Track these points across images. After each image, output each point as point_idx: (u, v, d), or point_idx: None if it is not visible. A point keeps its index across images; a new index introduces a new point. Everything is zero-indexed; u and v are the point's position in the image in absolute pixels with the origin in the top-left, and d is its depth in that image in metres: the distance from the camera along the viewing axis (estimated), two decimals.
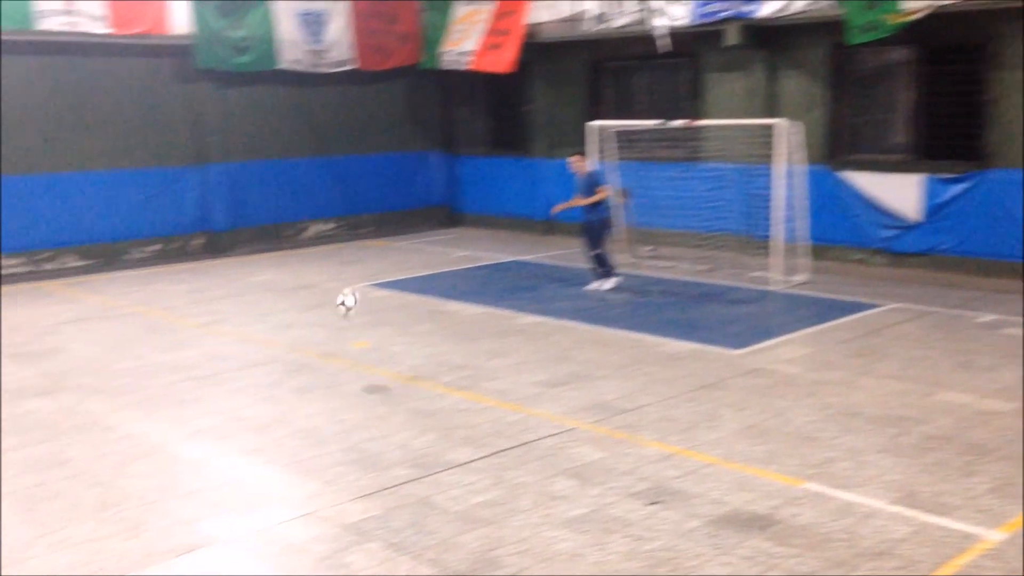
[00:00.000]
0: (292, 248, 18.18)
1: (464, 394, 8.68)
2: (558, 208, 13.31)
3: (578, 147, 16.06)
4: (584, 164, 13.26)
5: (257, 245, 18.13)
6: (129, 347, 10.72)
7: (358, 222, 19.84)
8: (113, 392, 8.99)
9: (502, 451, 7.22)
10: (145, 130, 16.79)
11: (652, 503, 6.23)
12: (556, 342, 10.51)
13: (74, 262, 16.21)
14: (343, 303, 9.41)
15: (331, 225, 19.51)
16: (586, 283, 13.27)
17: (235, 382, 9.23)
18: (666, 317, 11.66)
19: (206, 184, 17.56)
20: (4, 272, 15.43)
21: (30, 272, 15.67)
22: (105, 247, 16.54)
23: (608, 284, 13.26)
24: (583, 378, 9.09)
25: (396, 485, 6.62)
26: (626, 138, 15.60)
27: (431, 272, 15.19)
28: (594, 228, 13.13)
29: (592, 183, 13.03)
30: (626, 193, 15.44)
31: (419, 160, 20.80)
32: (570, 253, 15.97)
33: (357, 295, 9.35)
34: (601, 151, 15.23)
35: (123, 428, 7.96)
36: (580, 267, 15.09)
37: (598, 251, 13.26)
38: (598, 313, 11.91)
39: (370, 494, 6.48)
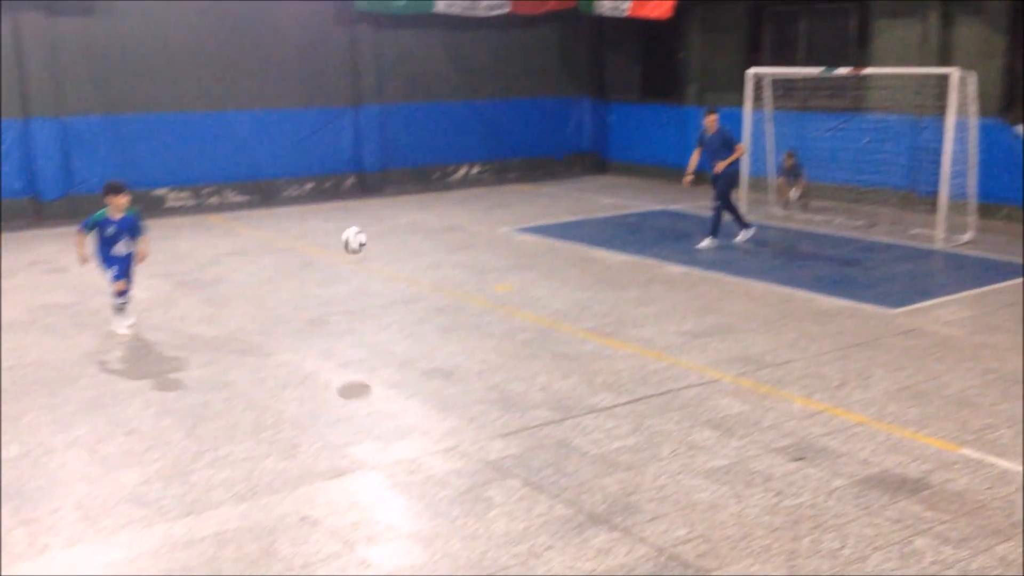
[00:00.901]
0: (440, 190, 18.45)
1: (607, 340, 8.66)
2: (720, 167, 12.54)
3: (733, 95, 15.64)
4: (715, 119, 12.68)
5: (406, 186, 18.49)
6: (285, 280, 11.16)
7: (506, 166, 19.94)
8: (270, 321, 9.39)
9: (643, 398, 7.19)
10: (304, 71, 17.28)
11: (796, 459, 6.08)
12: (702, 293, 10.33)
13: (235, 197, 16.95)
14: (350, 242, 8.89)
15: (478, 169, 19.68)
16: (734, 235, 12.95)
17: (382, 318, 9.49)
18: (819, 272, 11.28)
19: (359, 125, 17.98)
20: (172, 205, 16.28)
21: (195, 205, 16.49)
22: (263, 184, 17.22)
23: (744, 235, 12.86)
24: (729, 330, 8.91)
25: (536, 426, 6.69)
26: (784, 87, 15.04)
27: (577, 218, 15.14)
28: (724, 183, 12.63)
29: (726, 140, 12.49)
30: (792, 156, 14.93)
31: (569, 106, 20.66)
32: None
33: (361, 235, 8.93)
34: (757, 99, 14.74)
35: (279, 355, 8.32)
36: (728, 220, 14.74)
37: (728, 205, 12.78)
38: (747, 265, 11.63)
39: (510, 433, 6.56)
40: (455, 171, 19.43)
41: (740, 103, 14.94)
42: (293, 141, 17.38)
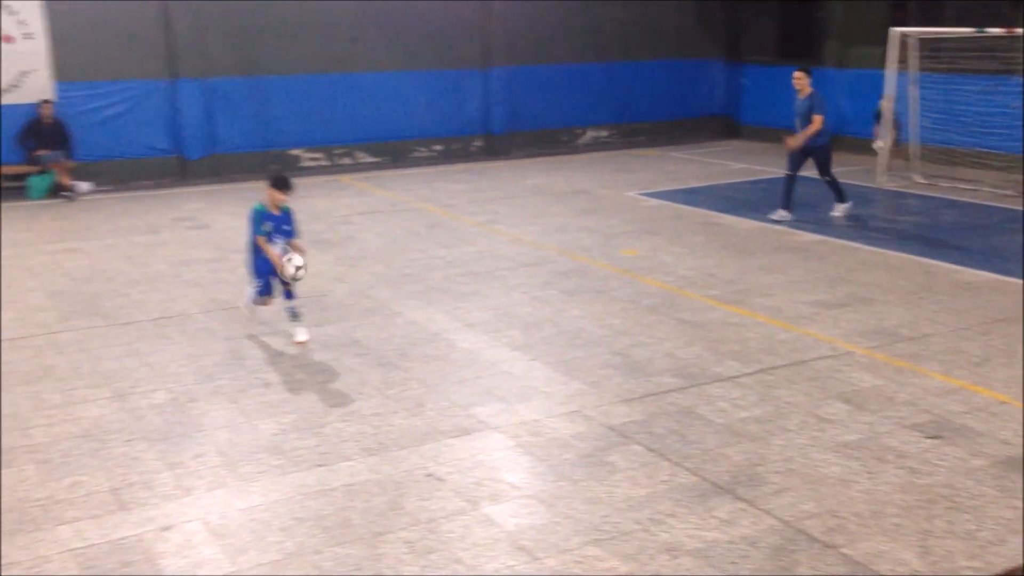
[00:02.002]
0: (566, 153, 18.39)
1: (734, 308, 8.50)
2: (790, 145, 11.84)
3: (876, 55, 15.00)
4: (807, 82, 11.70)
5: (533, 149, 18.50)
6: (413, 240, 11.36)
7: (633, 130, 19.70)
8: (399, 281, 9.59)
9: (771, 368, 7.04)
10: (435, 33, 17.41)
11: (932, 437, 5.86)
12: (836, 262, 10.01)
13: (366, 158, 17.31)
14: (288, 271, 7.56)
15: (606, 132, 19.51)
16: (877, 201, 12.46)
17: (508, 280, 9.56)
18: (962, 243, 10.77)
19: (488, 87, 18.04)
20: (306, 165, 16.75)
21: (329, 166, 16.92)
22: (393, 145, 17.51)
23: (840, 210, 12.09)
24: (863, 301, 8.62)
25: (661, 392, 6.64)
26: (931, 47, 14.31)
27: (706, 184, 14.87)
28: (814, 154, 11.84)
29: (811, 108, 11.58)
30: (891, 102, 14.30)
31: (700, 68, 20.21)
32: (858, 171, 15.05)
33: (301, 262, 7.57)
34: (901, 60, 14.08)
35: (407, 314, 8.49)
36: (868, 186, 14.23)
37: (827, 177, 11.99)
38: (884, 234, 11.20)
39: (634, 399, 6.54)
40: (582, 134, 19.31)
41: (883, 64, 14.31)
42: (423, 103, 17.59)
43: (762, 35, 19.54)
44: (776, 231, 11.48)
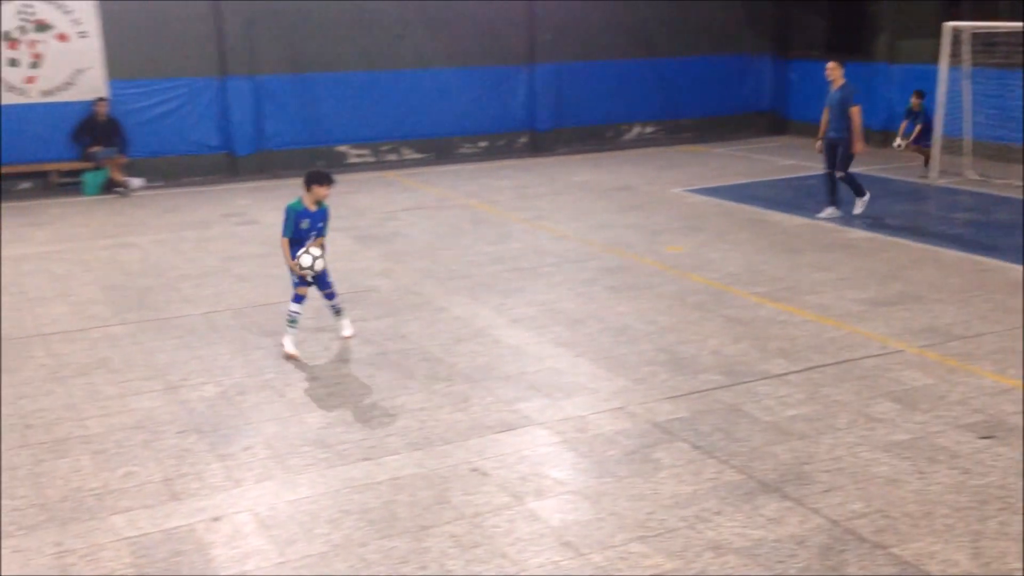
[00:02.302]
0: (612, 150, 18.32)
1: (782, 306, 8.42)
2: (857, 150, 11.56)
3: (928, 50, 14.79)
4: (840, 73, 11.49)
5: (578, 145, 18.46)
6: (458, 236, 11.40)
7: (679, 126, 19.59)
8: (444, 276, 9.63)
9: (819, 367, 6.96)
10: (481, 30, 17.44)
11: (985, 437, 5.76)
12: (887, 259, 9.87)
13: (411, 154, 17.40)
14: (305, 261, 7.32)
15: (651, 128, 19.42)
16: (929, 198, 12.26)
17: (553, 276, 9.56)
18: (1015, 241, 10.54)
19: (534, 84, 18.03)
20: (353, 161, 16.89)
21: (375, 162, 17.04)
22: (439, 141, 17.58)
23: (860, 207, 11.80)
24: (914, 299, 8.49)
25: (707, 390, 6.60)
26: (984, 41, 14.04)
27: (753, 180, 14.74)
28: (838, 147, 11.59)
29: (845, 99, 11.36)
30: (920, 96, 14.11)
31: (747, 64, 20.03)
32: (908, 167, 14.82)
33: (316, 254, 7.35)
34: (954, 55, 13.83)
35: (452, 310, 8.53)
36: (917, 182, 14.02)
37: (844, 173, 11.67)
38: (937, 231, 11.02)
39: (680, 396, 6.51)
40: (627, 130, 19.24)
41: (934, 59, 14.07)
42: (468, 99, 17.63)
43: (811, 30, 19.31)
44: (825, 228, 11.35)
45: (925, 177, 14.20)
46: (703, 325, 7.95)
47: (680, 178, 15.00)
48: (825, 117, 11.78)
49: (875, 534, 4.72)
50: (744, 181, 14.65)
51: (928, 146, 14.53)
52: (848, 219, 11.66)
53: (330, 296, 7.71)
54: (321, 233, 7.48)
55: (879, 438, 5.79)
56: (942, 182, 13.94)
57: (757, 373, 6.87)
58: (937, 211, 12.16)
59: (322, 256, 7.38)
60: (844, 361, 7.06)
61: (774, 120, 20.08)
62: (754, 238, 10.95)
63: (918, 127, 14.69)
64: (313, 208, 7.38)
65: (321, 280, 7.57)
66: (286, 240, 7.35)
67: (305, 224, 7.34)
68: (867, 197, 11.89)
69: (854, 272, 9.42)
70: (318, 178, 7.36)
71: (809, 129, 18.96)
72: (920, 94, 14.74)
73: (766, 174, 15.23)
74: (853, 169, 11.87)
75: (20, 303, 8.87)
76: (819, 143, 11.95)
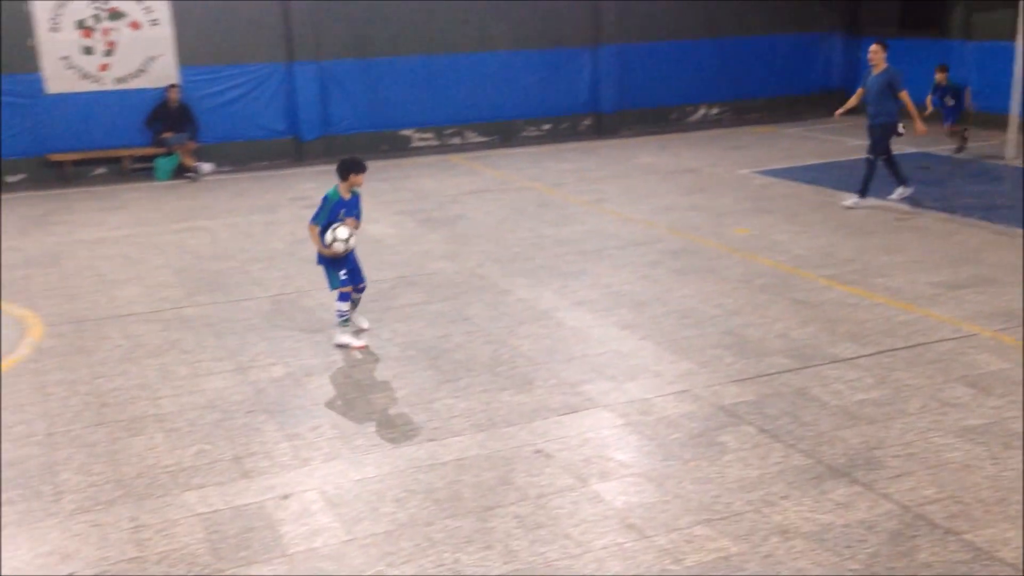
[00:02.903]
0: (677, 131, 18.13)
1: (851, 288, 8.26)
2: (919, 130, 11.32)
3: (1005, 26, 14.32)
4: (883, 56, 11.06)
5: (642, 127, 18.29)
6: (522, 219, 11.40)
7: (746, 106, 19.29)
8: (507, 259, 9.65)
9: (890, 350, 6.82)
10: (545, 12, 17.36)
11: None
12: (960, 242, 9.62)
13: (475, 137, 17.42)
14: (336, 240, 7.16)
15: (717, 109, 19.17)
16: (1005, 178, 11.90)
17: (616, 259, 9.51)
18: None
19: (598, 65, 17.90)
20: (417, 145, 16.98)
21: (439, 145, 17.10)
22: (502, 124, 17.57)
23: (897, 194, 11.35)
24: (989, 282, 8.26)
25: (773, 373, 6.51)
26: None
27: (822, 161, 14.46)
28: (879, 131, 11.18)
29: (888, 84, 10.95)
30: (944, 70, 13.74)
31: (817, 42, 19.62)
32: (984, 147, 14.40)
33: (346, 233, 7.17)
34: None
35: (516, 293, 8.54)
36: (995, 163, 13.63)
37: (885, 156, 11.27)
38: (1015, 214, 10.69)
39: (746, 379, 6.44)
40: (693, 112, 19.01)
41: (1012, 36, 13.61)
42: (532, 82, 17.58)
43: (883, 6, 18.82)
44: (896, 209, 11.10)
45: (960, 152, 13.98)
46: (770, 308, 7.85)
47: (747, 159, 14.79)
48: (858, 96, 11.50)
49: (947, 520, 4.63)
50: (813, 162, 14.38)
51: (956, 124, 14.21)
52: (921, 201, 11.37)
53: (361, 290, 7.53)
54: (357, 218, 7.34)
55: (952, 423, 5.66)
56: (1017, 162, 13.52)
57: (825, 357, 6.76)
58: (1012, 192, 11.79)
59: (349, 239, 7.17)
60: (916, 345, 6.91)
61: (844, 99, 19.53)
62: (823, 220, 10.76)
63: (947, 102, 14.38)
64: (347, 197, 7.23)
65: (356, 275, 7.41)
66: (315, 227, 7.20)
67: (341, 214, 7.20)
68: (868, 200, 11.36)
69: (926, 254, 9.20)
70: (355, 166, 7.18)
71: None
72: (944, 68, 14.42)
73: (836, 155, 14.93)
74: (909, 150, 11.53)
75: (96, 286, 9.12)
76: (838, 112, 11.89)
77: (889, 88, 11.04)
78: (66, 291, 8.95)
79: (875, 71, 11.23)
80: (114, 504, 5.05)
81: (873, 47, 11.23)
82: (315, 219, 7.21)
